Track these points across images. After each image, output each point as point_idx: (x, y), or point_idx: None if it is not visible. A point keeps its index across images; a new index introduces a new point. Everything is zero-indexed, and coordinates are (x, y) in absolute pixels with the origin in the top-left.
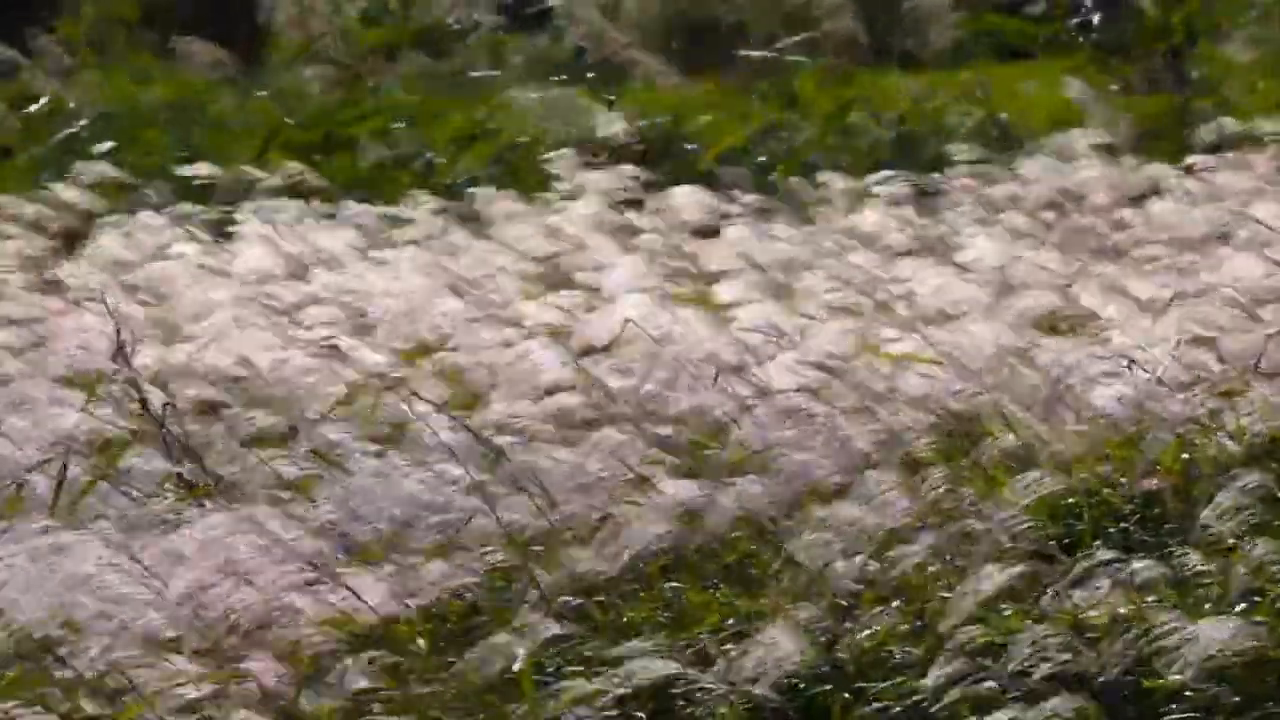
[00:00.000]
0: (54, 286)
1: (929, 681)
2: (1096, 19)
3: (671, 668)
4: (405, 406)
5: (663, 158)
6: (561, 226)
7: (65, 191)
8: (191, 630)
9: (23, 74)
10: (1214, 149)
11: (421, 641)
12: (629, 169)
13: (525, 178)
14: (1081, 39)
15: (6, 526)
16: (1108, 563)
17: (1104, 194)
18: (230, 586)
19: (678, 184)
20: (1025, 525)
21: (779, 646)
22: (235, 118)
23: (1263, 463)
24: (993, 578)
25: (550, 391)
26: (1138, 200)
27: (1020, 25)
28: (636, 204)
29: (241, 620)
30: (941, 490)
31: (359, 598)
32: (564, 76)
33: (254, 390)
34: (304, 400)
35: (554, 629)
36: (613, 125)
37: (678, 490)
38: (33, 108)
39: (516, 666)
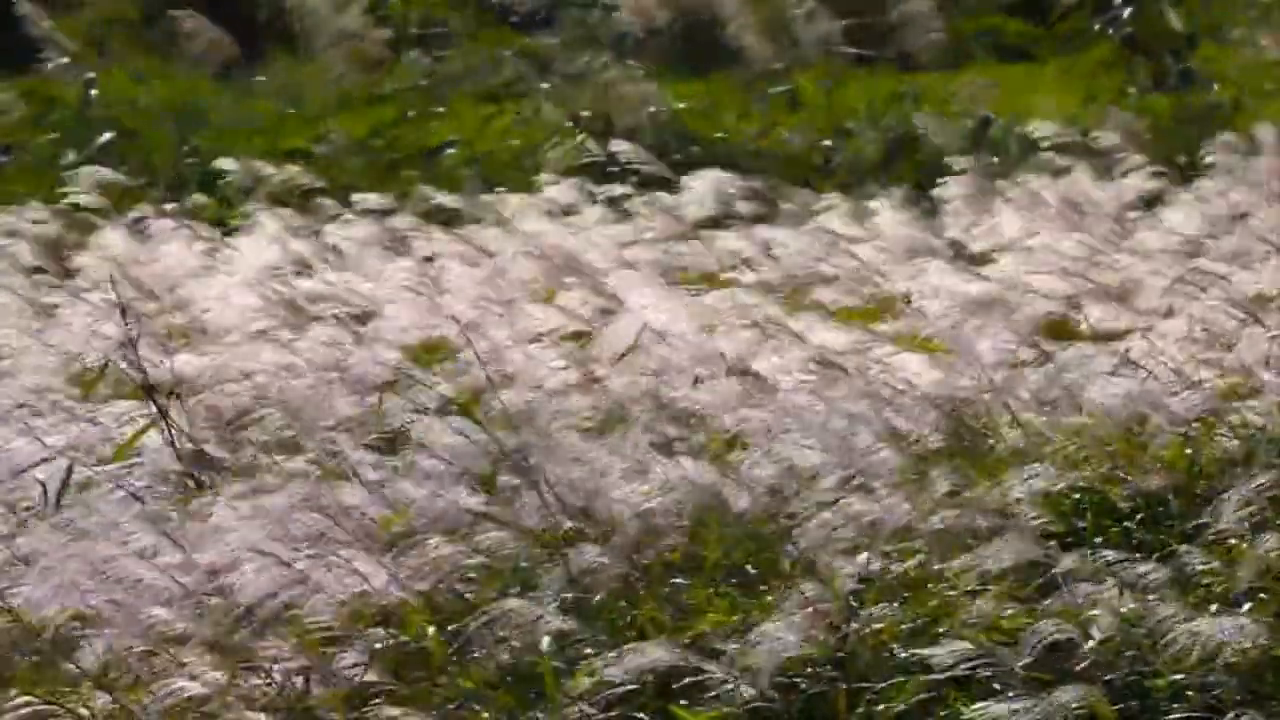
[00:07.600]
0: (64, 284)
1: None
2: (1127, 13)
3: (674, 657)
4: (411, 406)
5: (665, 155)
6: (572, 223)
7: (72, 191)
8: (200, 623)
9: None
10: (1222, 148)
11: (431, 631)
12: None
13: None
14: (1110, 31)
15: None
16: (1111, 561)
17: (1109, 197)
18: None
19: (678, 183)
20: (1030, 523)
21: (780, 640)
22: (236, 115)
23: (1264, 460)
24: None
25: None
26: (1145, 201)
27: (1021, 25)
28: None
29: (250, 612)
30: (946, 488)
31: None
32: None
33: (261, 392)
34: (311, 403)
35: (559, 624)
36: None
37: (683, 484)
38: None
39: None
